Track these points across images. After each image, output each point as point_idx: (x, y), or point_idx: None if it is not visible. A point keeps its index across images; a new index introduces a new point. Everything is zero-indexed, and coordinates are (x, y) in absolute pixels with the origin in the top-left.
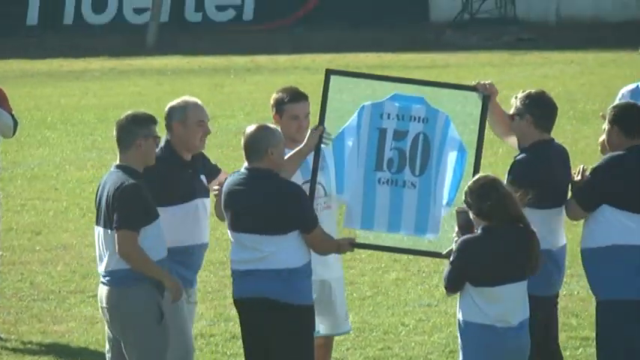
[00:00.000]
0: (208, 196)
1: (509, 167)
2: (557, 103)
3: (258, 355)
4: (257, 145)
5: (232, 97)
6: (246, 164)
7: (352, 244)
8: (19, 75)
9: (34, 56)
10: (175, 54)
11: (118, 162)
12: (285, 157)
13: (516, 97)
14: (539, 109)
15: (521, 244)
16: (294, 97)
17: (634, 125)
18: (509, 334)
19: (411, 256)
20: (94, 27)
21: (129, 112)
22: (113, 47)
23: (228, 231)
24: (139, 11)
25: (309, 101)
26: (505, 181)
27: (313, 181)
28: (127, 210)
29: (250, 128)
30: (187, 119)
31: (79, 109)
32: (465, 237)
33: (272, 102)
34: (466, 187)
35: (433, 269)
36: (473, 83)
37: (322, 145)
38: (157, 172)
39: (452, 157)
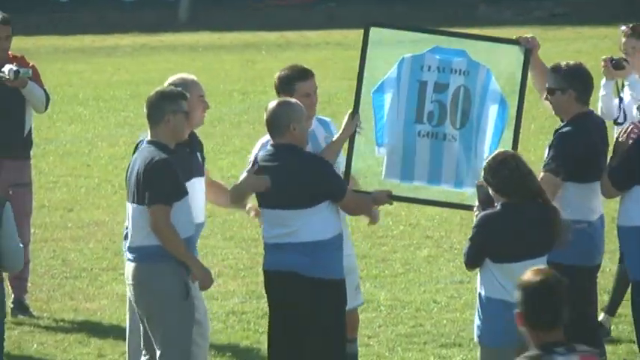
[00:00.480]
0: (204, 175)
1: (551, 140)
2: (595, 78)
3: (285, 329)
4: (279, 121)
5: (264, 74)
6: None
7: (389, 196)
8: (50, 51)
9: (66, 32)
10: (207, 30)
11: (149, 137)
12: (324, 148)
13: (554, 70)
14: (582, 83)
15: (541, 220)
16: (303, 74)
17: None
18: None
19: (443, 233)
20: (125, 3)
21: (158, 88)
22: (144, 23)
23: (259, 207)
24: None
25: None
26: (546, 154)
27: (347, 172)
28: (159, 185)
29: (272, 104)
30: (189, 94)
31: (111, 86)
32: (484, 212)
33: (277, 82)
34: (485, 162)
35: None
36: (515, 37)
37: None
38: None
39: (493, 110)
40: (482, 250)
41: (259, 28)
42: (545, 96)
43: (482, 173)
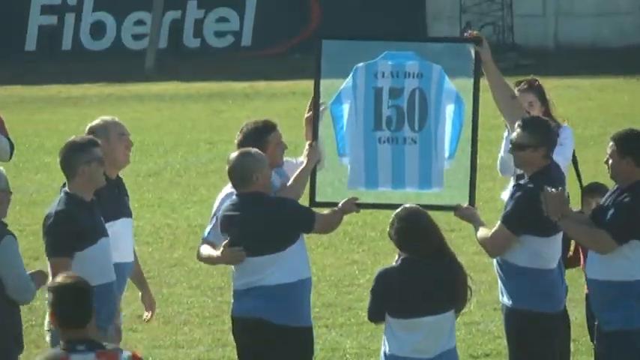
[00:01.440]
0: (131, 216)
1: (512, 192)
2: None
3: None
4: (242, 172)
5: (230, 123)
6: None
7: (357, 204)
8: (17, 101)
9: (32, 82)
10: (174, 80)
11: (66, 189)
12: (293, 178)
13: (524, 127)
14: (552, 138)
15: (440, 279)
16: (271, 125)
17: None
18: None
19: None
20: (92, 53)
21: (68, 139)
22: (111, 73)
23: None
24: (137, 37)
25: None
26: (506, 205)
27: (312, 184)
28: (54, 238)
29: (233, 155)
30: (109, 134)
31: (78, 135)
32: (383, 267)
33: (243, 137)
34: (391, 217)
35: None
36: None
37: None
38: None
39: (450, 109)
40: (382, 305)
41: (227, 79)
42: (509, 150)
43: (388, 228)
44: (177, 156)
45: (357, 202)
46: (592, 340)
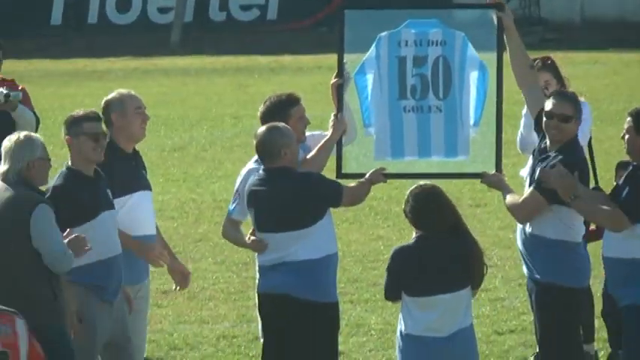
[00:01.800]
0: (150, 189)
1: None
2: (588, 103)
3: (277, 352)
4: (270, 147)
5: (256, 97)
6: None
7: (384, 175)
8: (42, 74)
9: (58, 56)
10: (199, 54)
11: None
12: (317, 148)
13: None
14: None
15: (456, 255)
16: (294, 99)
17: None
18: (438, 344)
19: None
20: (118, 27)
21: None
22: (137, 47)
23: (255, 231)
24: (163, 11)
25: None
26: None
27: (339, 155)
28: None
29: (261, 130)
30: (126, 108)
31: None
32: (398, 245)
33: (266, 110)
34: (406, 195)
35: None
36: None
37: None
38: (103, 166)
39: (474, 76)
40: (397, 283)
41: (253, 53)
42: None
43: (403, 205)
44: (202, 130)
45: (385, 172)
46: (601, 315)
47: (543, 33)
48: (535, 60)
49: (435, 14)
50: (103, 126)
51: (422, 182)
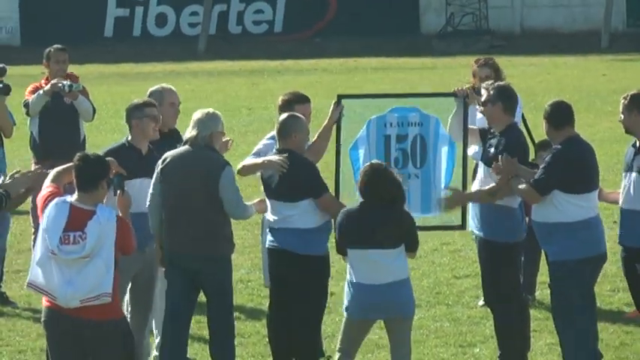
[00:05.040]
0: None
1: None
2: (521, 96)
3: (280, 295)
4: (285, 129)
5: (266, 93)
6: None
7: None
8: (97, 76)
9: (110, 61)
10: (221, 59)
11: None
12: (317, 134)
13: (486, 87)
14: (509, 97)
15: (389, 220)
16: (301, 99)
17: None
18: (374, 290)
19: None
20: (156, 38)
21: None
22: (172, 54)
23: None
24: (192, 25)
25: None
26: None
27: (337, 164)
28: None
29: (283, 115)
30: (163, 100)
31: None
32: (345, 208)
33: (281, 103)
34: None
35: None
36: (453, 89)
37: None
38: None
39: (444, 150)
40: (341, 239)
41: (263, 58)
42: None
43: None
44: (223, 119)
45: None
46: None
47: (491, 41)
48: (479, 59)
49: (414, 102)
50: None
51: (373, 161)
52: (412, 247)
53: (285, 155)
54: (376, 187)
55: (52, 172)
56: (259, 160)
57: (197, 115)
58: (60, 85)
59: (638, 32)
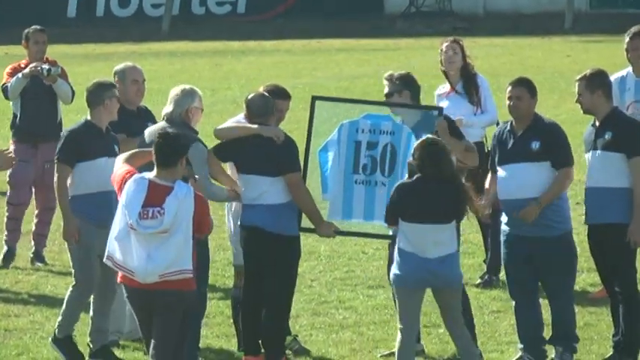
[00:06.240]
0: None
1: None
2: (486, 77)
3: (252, 271)
4: (262, 107)
5: (229, 74)
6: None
7: (336, 231)
8: (61, 57)
9: (73, 42)
10: (184, 40)
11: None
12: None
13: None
14: (414, 86)
15: (446, 196)
16: (282, 94)
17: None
18: (425, 263)
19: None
20: (120, 18)
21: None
22: (135, 35)
23: (237, 174)
24: (155, 6)
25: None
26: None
27: (300, 213)
28: (60, 147)
29: (254, 96)
30: (125, 77)
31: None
32: (401, 181)
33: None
34: (415, 145)
35: None
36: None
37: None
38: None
39: None
40: (394, 211)
41: (226, 39)
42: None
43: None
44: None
45: (335, 229)
46: None
47: (454, 23)
48: (449, 39)
49: (388, 110)
50: None
51: (430, 136)
52: (461, 219)
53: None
54: (436, 162)
55: (125, 155)
56: (253, 125)
57: (173, 91)
58: (39, 69)
59: (601, 13)
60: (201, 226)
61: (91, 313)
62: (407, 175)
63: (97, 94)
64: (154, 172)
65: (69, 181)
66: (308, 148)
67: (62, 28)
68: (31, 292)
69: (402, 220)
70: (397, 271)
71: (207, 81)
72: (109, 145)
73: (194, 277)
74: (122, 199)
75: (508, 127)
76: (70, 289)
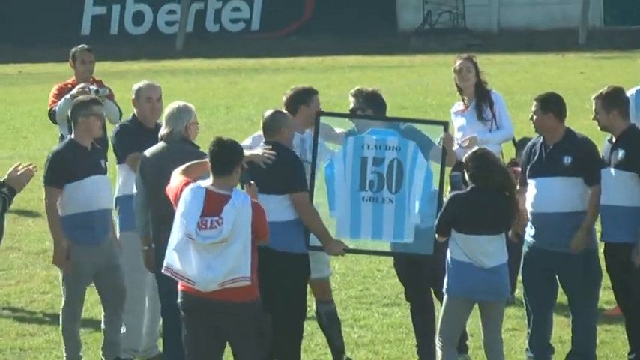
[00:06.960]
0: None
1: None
2: (501, 94)
3: (262, 288)
4: (273, 123)
5: (243, 92)
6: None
7: (345, 250)
8: None
9: None
10: (198, 57)
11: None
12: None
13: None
14: (379, 104)
15: (498, 207)
16: (310, 93)
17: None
18: (479, 272)
19: None
20: (134, 36)
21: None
22: (149, 52)
23: None
24: (169, 23)
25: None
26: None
27: (307, 231)
28: (46, 171)
29: (269, 111)
30: (139, 96)
31: (124, 101)
32: (455, 192)
33: (285, 100)
34: (467, 155)
35: None
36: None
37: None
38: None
39: (421, 177)
40: (448, 222)
41: (240, 56)
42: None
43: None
44: (201, 118)
45: (346, 248)
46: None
47: (468, 40)
48: (461, 57)
49: (393, 126)
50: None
51: (482, 147)
52: (507, 230)
53: (269, 148)
54: (489, 172)
55: (181, 168)
56: (246, 151)
57: (168, 110)
58: (87, 89)
59: (615, 30)
60: (259, 232)
61: (103, 325)
62: (450, 188)
63: (73, 112)
64: (210, 181)
65: (58, 202)
66: (314, 164)
67: (76, 46)
68: (47, 311)
69: (456, 231)
70: (453, 282)
71: (222, 98)
72: (95, 163)
73: (255, 285)
74: (179, 208)
75: (540, 141)
76: (61, 311)
